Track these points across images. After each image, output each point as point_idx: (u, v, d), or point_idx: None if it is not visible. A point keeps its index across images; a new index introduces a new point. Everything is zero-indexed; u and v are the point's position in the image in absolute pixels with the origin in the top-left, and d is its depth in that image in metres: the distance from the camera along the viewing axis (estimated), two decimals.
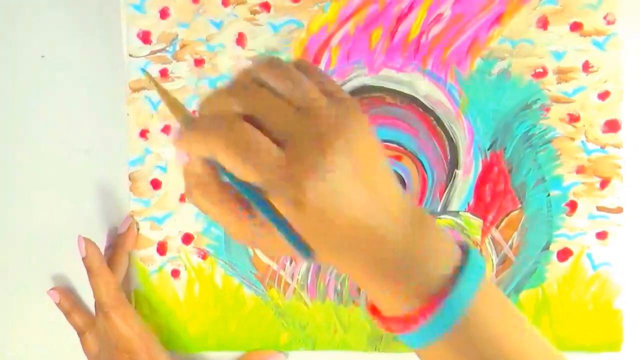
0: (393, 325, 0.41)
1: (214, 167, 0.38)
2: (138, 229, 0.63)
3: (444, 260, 0.39)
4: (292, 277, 0.63)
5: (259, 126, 0.37)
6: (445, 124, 0.62)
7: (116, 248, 0.63)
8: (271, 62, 0.39)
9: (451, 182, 0.62)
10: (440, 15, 0.61)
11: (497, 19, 0.61)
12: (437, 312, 0.38)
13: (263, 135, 0.36)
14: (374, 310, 0.42)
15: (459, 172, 0.62)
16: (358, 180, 0.37)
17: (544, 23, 0.61)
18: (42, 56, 0.65)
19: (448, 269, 0.39)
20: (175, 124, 0.62)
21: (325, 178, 0.36)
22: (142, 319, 0.62)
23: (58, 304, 0.63)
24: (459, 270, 0.39)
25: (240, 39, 0.62)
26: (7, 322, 0.66)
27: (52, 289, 0.64)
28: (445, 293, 0.38)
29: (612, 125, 0.61)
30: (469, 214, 0.62)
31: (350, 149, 0.37)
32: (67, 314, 0.63)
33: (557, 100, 0.61)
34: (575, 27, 0.60)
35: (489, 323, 0.39)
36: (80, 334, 0.63)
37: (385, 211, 0.38)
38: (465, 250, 0.40)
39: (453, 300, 0.38)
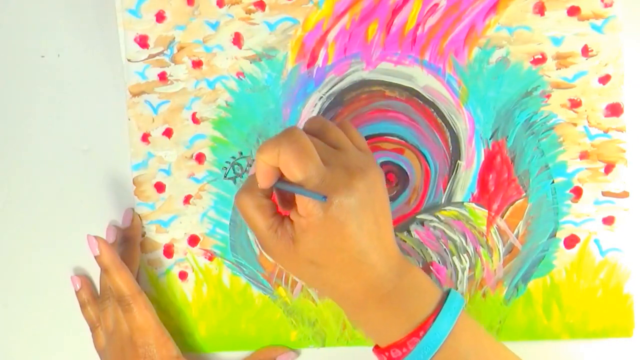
0: (390, 352, 0.51)
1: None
2: (144, 233, 0.66)
3: (426, 300, 0.50)
4: None
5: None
6: (446, 115, 0.64)
7: (126, 242, 0.65)
8: (318, 120, 0.54)
9: (454, 173, 0.64)
10: (436, 5, 0.63)
11: (494, 7, 0.62)
12: (419, 342, 0.49)
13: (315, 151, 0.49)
14: (375, 348, 0.53)
15: (462, 163, 0.64)
16: (371, 213, 0.49)
17: (540, 9, 0.62)
18: (42, 56, 0.68)
19: (430, 308, 0.50)
20: (177, 126, 0.65)
21: (350, 198, 0.48)
22: None
23: (77, 293, 0.66)
24: (439, 310, 0.50)
25: (237, 39, 0.65)
26: (9, 321, 0.69)
27: (75, 275, 0.67)
28: (425, 328, 0.49)
29: (614, 109, 0.62)
30: (473, 205, 0.64)
31: (369, 188, 0.49)
32: (83, 306, 0.66)
33: (557, 86, 0.62)
34: (573, 11, 0.62)
35: (465, 353, 0.50)
36: (93, 328, 0.65)
37: (383, 248, 0.50)
38: (446, 292, 0.51)
39: (430, 335, 0.49)
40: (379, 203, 0.50)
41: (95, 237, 0.63)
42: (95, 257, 0.62)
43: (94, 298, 0.66)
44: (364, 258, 0.49)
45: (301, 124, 0.64)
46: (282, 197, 0.53)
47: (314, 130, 0.52)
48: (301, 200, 0.49)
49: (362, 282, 0.50)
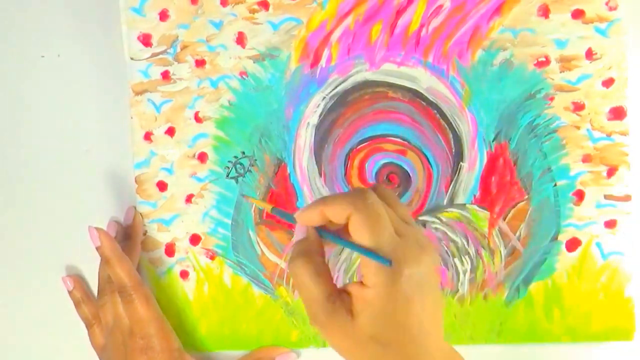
0: None
1: (321, 242, 0.49)
2: (146, 232, 0.66)
3: None
4: None
5: None
6: (449, 117, 0.64)
7: (126, 240, 0.66)
8: (389, 191, 0.51)
9: (457, 175, 0.64)
10: (440, 7, 0.63)
11: (498, 9, 0.63)
12: None
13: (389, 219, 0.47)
14: None
15: (464, 165, 0.64)
16: (432, 295, 0.47)
17: (545, 11, 0.62)
18: (42, 56, 0.68)
19: None
20: (179, 125, 0.65)
21: (419, 271, 0.46)
22: None
23: (70, 293, 0.67)
24: None
25: (241, 39, 0.65)
26: (14, 318, 0.70)
27: (66, 276, 0.67)
28: None
29: (617, 113, 0.62)
30: (475, 207, 0.64)
31: (434, 268, 0.48)
32: (77, 304, 0.67)
33: (561, 89, 0.63)
34: (577, 14, 0.62)
35: None
36: (88, 326, 0.66)
37: (438, 336, 0.48)
38: None
39: None
40: (437, 285, 0.48)
41: (97, 228, 0.63)
42: (97, 248, 0.63)
43: (88, 296, 0.67)
44: (422, 341, 0.46)
45: (304, 124, 0.65)
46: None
47: (386, 199, 0.49)
48: (368, 270, 0.45)
49: None
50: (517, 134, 0.63)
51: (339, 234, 0.49)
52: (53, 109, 0.68)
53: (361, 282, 0.46)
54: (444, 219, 0.64)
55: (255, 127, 0.65)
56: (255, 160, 0.65)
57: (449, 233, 0.64)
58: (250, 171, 0.65)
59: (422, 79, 0.64)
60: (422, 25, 0.64)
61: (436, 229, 0.65)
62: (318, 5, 0.64)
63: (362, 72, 0.64)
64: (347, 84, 0.64)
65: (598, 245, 0.63)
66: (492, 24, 0.63)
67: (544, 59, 0.63)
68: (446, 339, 0.63)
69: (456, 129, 0.64)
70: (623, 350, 0.64)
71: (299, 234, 0.50)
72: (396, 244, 0.46)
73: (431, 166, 0.64)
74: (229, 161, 0.66)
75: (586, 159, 0.63)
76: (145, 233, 0.66)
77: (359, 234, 0.46)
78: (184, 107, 0.66)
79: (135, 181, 0.66)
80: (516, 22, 0.63)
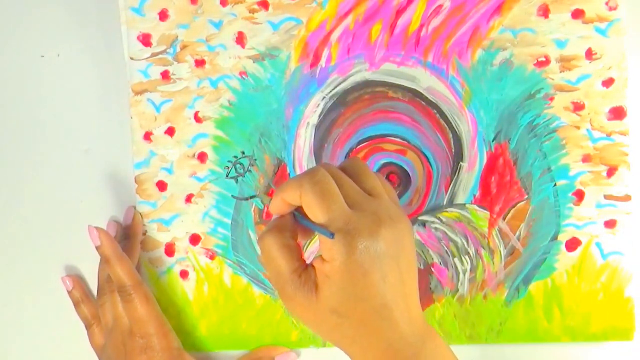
0: None
1: (294, 219, 0.50)
2: (146, 232, 0.66)
3: None
4: None
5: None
6: (449, 117, 0.64)
7: (126, 240, 0.66)
8: (358, 163, 0.51)
9: (456, 175, 0.64)
10: (440, 7, 0.63)
11: (498, 9, 0.63)
12: None
13: (340, 193, 0.48)
14: None
15: (464, 165, 0.64)
16: (396, 267, 0.47)
17: (545, 11, 0.62)
18: (42, 56, 0.68)
19: None
20: (179, 125, 0.65)
21: (375, 244, 0.46)
22: None
23: (69, 293, 0.67)
24: None
25: (240, 38, 0.65)
26: (14, 318, 0.70)
27: (66, 276, 0.67)
28: None
29: (617, 113, 0.62)
30: (475, 207, 0.64)
31: (396, 239, 0.47)
32: (77, 305, 0.67)
33: (561, 89, 0.63)
34: (577, 14, 0.62)
35: None
36: (88, 326, 0.66)
37: (407, 307, 0.47)
38: None
39: None
40: (406, 259, 0.48)
41: (97, 228, 0.64)
42: (97, 248, 0.63)
43: (88, 296, 0.67)
44: (386, 313, 0.46)
45: (304, 124, 0.65)
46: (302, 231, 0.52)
47: (351, 172, 0.50)
48: (325, 246, 0.47)
49: (382, 340, 0.47)
50: (517, 134, 0.63)
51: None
52: (53, 109, 0.68)
53: (322, 257, 0.47)
54: (444, 219, 0.65)
55: (255, 127, 0.65)
56: (255, 160, 0.65)
57: (449, 233, 0.65)
58: (250, 171, 0.66)
59: (422, 79, 0.64)
60: (422, 25, 0.64)
61: (436, 229, 0.65)
62: (318, 5, 0.64)
63: (362, 72, 0.64)
64: (347, 84, 0.65)
65: (598, 245, 0.63)
66: (492, 24, 0.63)
67: (544, 59, 0.63)
68: (446, 339, 0.64)
69: (456, 129, 0.64)
70: (623, 350, 0.64)
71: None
72: (349, 218, 0.46)
73: (431, 166, 0.64)
74: (229, 161, 0.66)
75: (586, 159, 0.63)
76: (145, 233, 0.67)
77: (310, 212, 0.47)
78: (184, 107, 0.66)
79: (135, 181, 0.66)
80: (516, 22, 0.63)
